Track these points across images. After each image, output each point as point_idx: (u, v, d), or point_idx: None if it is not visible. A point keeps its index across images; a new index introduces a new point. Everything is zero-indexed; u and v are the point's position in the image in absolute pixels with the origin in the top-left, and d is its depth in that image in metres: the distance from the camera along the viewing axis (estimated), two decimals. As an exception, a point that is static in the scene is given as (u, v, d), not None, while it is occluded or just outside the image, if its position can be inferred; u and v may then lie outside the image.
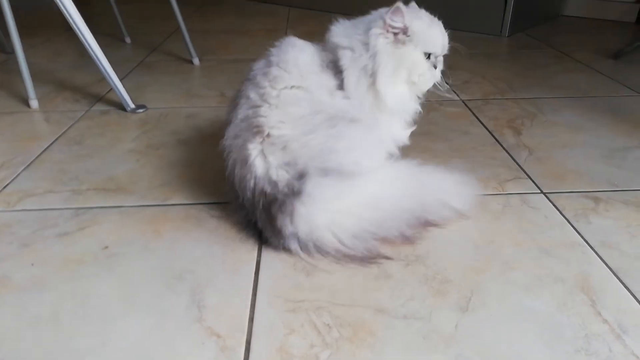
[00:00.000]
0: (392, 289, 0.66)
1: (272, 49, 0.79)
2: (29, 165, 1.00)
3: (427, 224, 0.76)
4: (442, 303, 0.63)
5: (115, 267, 0.71)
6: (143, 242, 0.76)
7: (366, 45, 0.75)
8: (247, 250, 0.74)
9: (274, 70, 0.75)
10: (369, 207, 0.72)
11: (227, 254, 0.73)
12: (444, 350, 0.56)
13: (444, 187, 0.79)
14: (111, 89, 1.37)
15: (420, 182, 0.78)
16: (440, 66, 0.80)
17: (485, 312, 0.62)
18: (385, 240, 0.72)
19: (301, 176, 0.69)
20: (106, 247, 0.75)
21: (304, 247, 0.71)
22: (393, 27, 0.74)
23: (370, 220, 0.72)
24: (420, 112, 0.83)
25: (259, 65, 0.79)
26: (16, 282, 0.68)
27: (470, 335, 0.58)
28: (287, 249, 0.72)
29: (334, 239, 0.70)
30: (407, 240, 0.73)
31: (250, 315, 0.62)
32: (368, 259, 0.70)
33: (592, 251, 0.72)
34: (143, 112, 1.27)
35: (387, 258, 0.71)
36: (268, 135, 0.71)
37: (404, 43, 0.75)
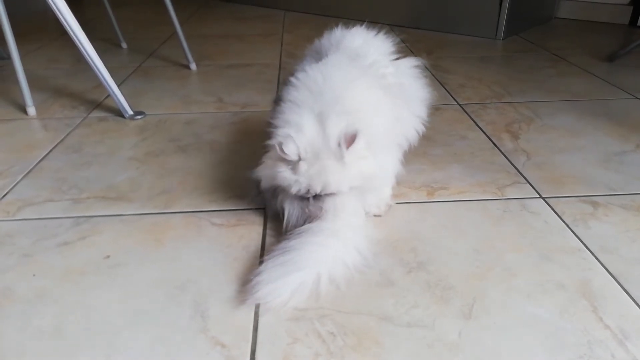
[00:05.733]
0: (396, 297, 0.66)
1: None
2: (27, 173, 0.99)
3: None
4: (445, 310, 0.63)
5: (117, 277, 0.70)
6: (144, 251, 0.76)
7: None
8: (249, 258, 0.74)
9: None
10: None
11: (229, 263, 0.73)
12: (449, 359, 0.57)
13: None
14: (108, 95, 1.36)
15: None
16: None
17: (488, 319, 0.62)
18: None
19: None
20: (108, 257, 0.74)
21: None
22: None
23: None
24: None
25: None
26: (19, 294, 0.67)
27: (474, 343, 0.59)
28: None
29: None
30: None
31: (254, 324, 0.62)
32: None
33: (592, 256, 0.73)
34: (141, 118, 1.26)
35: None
36: None
37: None
